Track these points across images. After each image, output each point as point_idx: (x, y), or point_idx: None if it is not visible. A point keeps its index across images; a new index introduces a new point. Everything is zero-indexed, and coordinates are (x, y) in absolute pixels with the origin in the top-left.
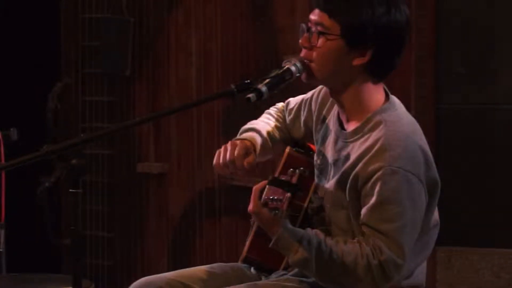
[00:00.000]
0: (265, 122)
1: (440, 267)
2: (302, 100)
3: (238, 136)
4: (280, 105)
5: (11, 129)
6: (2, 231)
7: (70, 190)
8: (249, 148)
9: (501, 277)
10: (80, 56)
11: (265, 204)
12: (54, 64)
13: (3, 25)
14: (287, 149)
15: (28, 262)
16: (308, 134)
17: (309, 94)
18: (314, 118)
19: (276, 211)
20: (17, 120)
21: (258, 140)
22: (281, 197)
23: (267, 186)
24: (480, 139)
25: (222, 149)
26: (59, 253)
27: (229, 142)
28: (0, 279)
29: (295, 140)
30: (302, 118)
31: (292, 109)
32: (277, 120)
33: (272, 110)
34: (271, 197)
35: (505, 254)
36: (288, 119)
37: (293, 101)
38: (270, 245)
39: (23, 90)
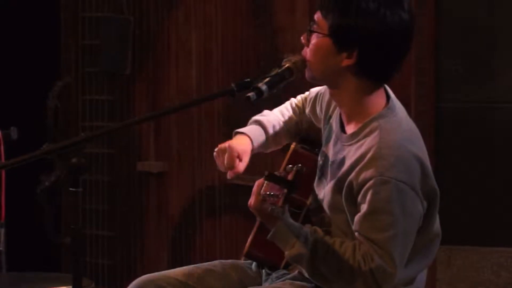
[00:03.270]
0: (279, 113)
1: (440, 266)
2: (318, 92)
3: (241, 128)
4: (305, 94)
5: (11, 128)
6: (2, 230)
7: (70, 189)
8: (241, 152)
9: (501, 276)
10: (80, 55)
11: (264, 199)
12: (54, 63)
13: (3, 23)
14: (293, 145)
15: (28, 261)
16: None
17: (323, 88)
18: (323, 116)
19: (273, 207)
20: (17, 119)
21: (258, 133)
22: (277, 193)
23: (265, 182)
24: (480, 138)
25: (216, 150)
26: (59, 252)
27: (218, 147)
28: (0, 278)
29: (313, 130)
30: (317, 110)
31: (311, 99)
32: (293, 110)
33: (296, 99)
34: (268, 193)
35: (505, 252)
36: (307, 109)
37: (314, 91)
38: (268, 237)
39: (23, 89)
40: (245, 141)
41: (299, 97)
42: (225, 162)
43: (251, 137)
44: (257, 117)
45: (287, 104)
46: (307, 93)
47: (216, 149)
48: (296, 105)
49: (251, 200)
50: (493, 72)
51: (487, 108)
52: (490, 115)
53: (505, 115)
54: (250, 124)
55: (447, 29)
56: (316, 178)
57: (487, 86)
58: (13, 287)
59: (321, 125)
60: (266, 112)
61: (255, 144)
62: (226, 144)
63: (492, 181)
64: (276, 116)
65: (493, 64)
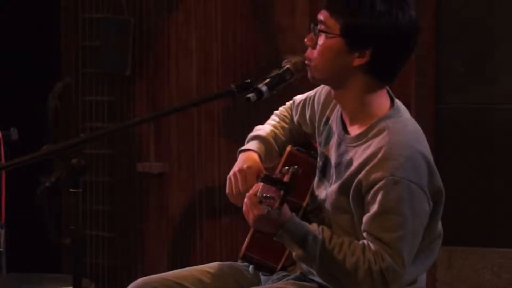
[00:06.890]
0: (271, 125)
1: (440, 267)
2: (307, 97)
3: (245, 146)
4: (288, 104)
5: (11, 129)
6: (2, 231)
7: (70, 190)
8: (259, 171)
9: (501, 277)
10: (80, 56)
11: (260, 201)
12: (54, 63)
13: (4, 24)
14: (288, 148)
15: (28, 262)
16: (315, 131)
17: (313, 92)
18: (317, 118)
19: (269, 209)
20: (17, 120)
21: (263, 148)
22: (274, 195)
23: (261, 184)
24: (480, 139)
25: (232, 177)
26: (59, 252)
27: (238, 169)
28: (0, 279)
29: (304, 137)
30: (307, 115)
31: (298, 106)
32: (283, 120)
33: (280, 110)
34: (264, 195)
35: (505, 253)
36: (295, 117)
37: (298, 98)
38: (275, 237)
39: (23, 90)
40: (255, 159)
41: (282, 108)
42: (243, 183)
43: (259, 153)
44: (255, 132)
45: (274, 117)
46: (289, 103)
47: (231, 174)
48: (284, 115)
49: (254, 212)
50: (494, 73)
51: (487, 109)
52: (490, 115)
53: (506, 116)
54: (250, 140)
55: (447, 29)
56: (316, 179)
57: (488, 87)
58: (13, 287)
59: (313, 129)
60: (259, 127)
61: (263, 159)
62: (244, 168)
63: (492, 182)
64: (271, 129)
65: (493, 64)
